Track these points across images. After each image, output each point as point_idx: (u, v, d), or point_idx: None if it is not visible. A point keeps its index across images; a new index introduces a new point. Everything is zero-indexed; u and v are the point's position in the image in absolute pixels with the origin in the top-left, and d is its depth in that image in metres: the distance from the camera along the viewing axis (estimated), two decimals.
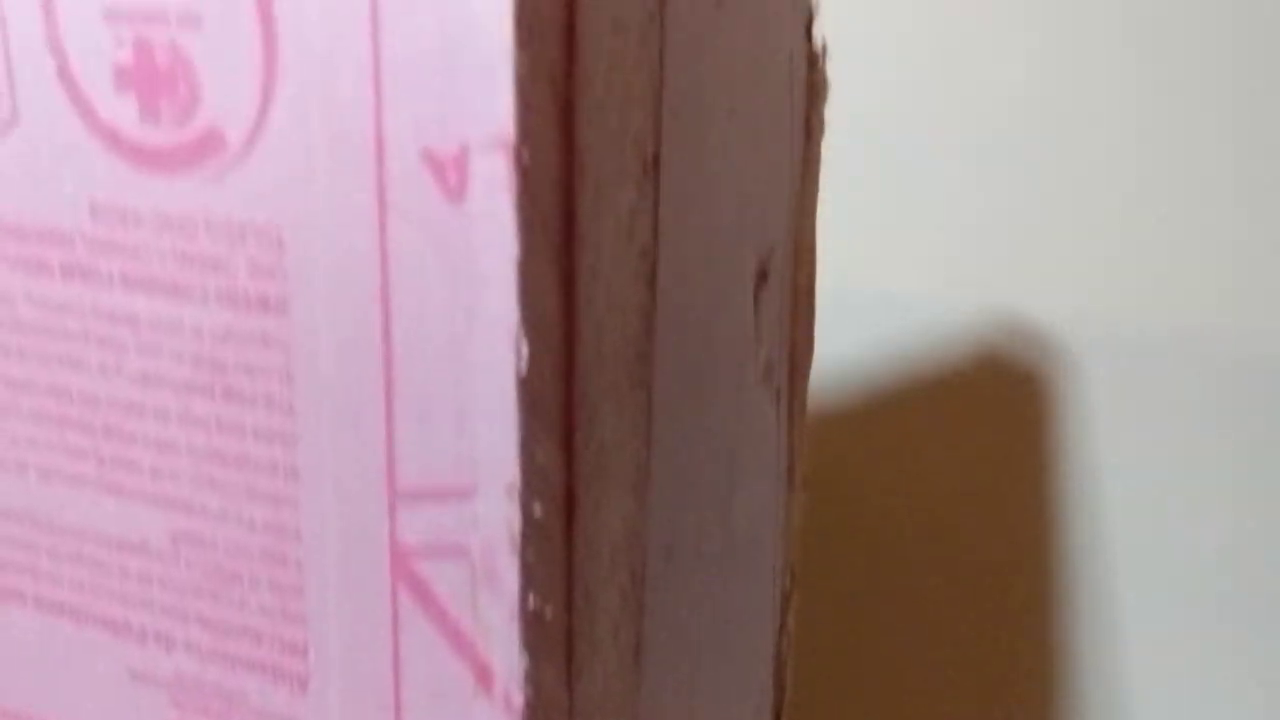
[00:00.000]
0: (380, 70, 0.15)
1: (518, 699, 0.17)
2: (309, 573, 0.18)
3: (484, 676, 0.17)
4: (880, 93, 0.49)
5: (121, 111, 0.17)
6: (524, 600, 0.17)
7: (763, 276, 0.26)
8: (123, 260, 0.18)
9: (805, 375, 0.29)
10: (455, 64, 0.15)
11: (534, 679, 0.17)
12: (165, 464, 0.19)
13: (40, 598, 0.21)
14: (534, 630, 0.17)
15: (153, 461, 0.19)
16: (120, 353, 0.19)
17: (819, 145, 0.27)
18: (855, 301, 0.51)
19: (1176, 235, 0.47)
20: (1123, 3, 0.46)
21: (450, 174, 0.15)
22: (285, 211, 0.17)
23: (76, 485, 0.20)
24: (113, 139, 0.17)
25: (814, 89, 0.27)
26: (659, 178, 0.19)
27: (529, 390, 0.16)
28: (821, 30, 0.27)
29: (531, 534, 0.17)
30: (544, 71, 0.15)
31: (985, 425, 0.51)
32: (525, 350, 0.16)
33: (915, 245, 0.50)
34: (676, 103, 0.19)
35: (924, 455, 0.51)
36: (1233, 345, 0.46)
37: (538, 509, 0.17)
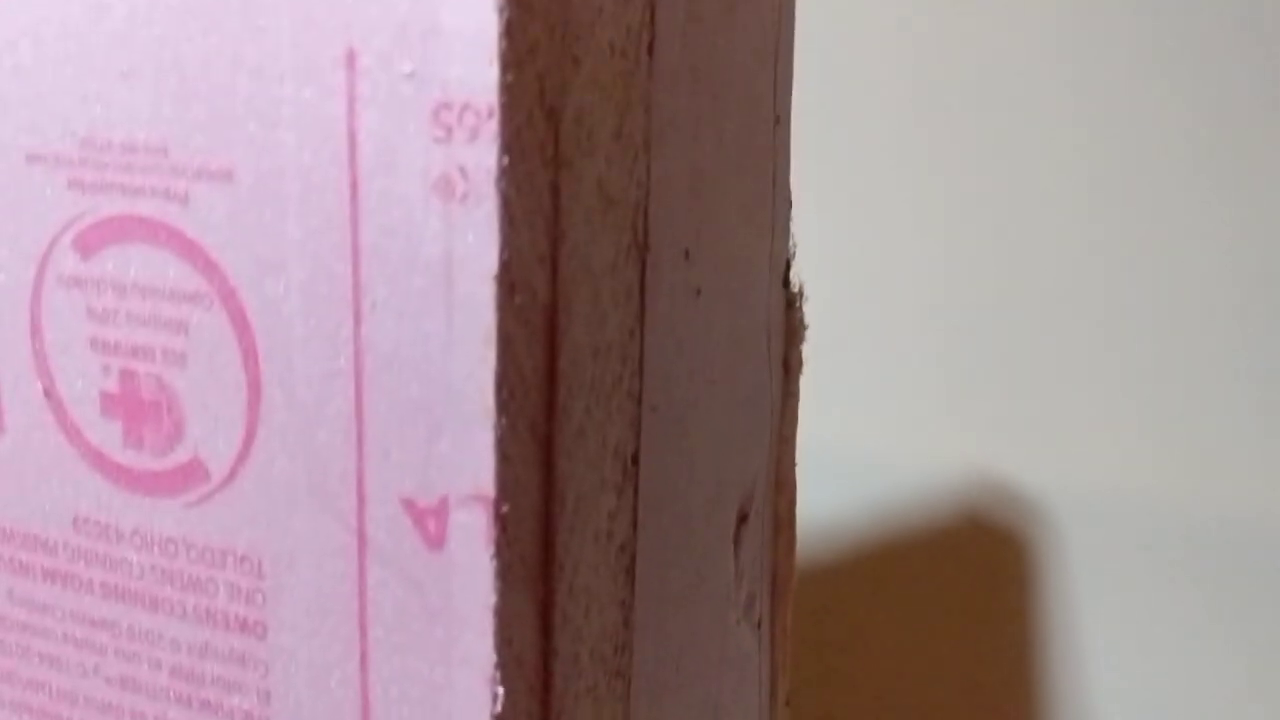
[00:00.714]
0: (363, 423, 0.16)
1: None
2: None
3: None
4: (863, 257, 0.50)
5: (107, 435, 0.18)
6: None
7: (743, 518, 0.26)
8: (103, 571, 0.18)
9: (787, 597, 0.30)
10: (436, 421, 0.15)
11: None
12: None
13: None
14: None
15: None
16: (99, 655, 0.19)
17: (797, 381, 0.28)
18: (839, 461, 0.51)
19: (1159, 401, 0.47)
20: (1088, 171, 0.47)
21: (430, 523, 0.16)
22: (266, 542, 0.17)
23: None
24: (97, 459, 0.18)
25: (792, 330, 0.27)
26: (639, 475, 0.19)
27: None
28: (798, 273, 0.27)
29: None
30: (524, 425, 0.16)
31: (966, 585, 0.51)
32: (501, 692, 0.16)
33: (899, 406, 0.51)
34: (656, 399, 0.20)
35: (905, 614, 0.51)
36: (1212, 509, 0.47)
37: None
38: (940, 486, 0.53)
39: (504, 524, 0.15)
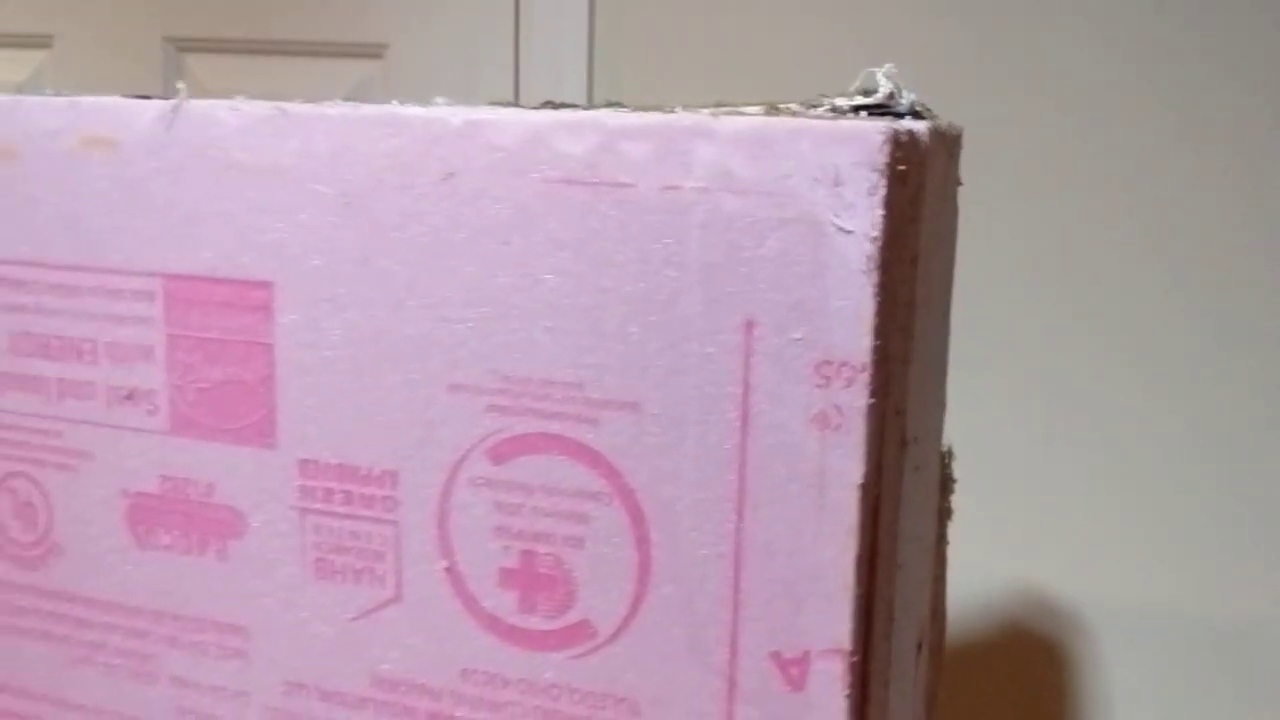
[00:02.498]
0: (739, 595, 0.21)
1: None
2: None
3: None
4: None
5: (501, 603, 0.22)
6: None
7: (919, 648, 0.31)
8: (487, 712, 0.23)
9: (935, 714, 0.34)
10: (802, 594, 0.20)
11: None
12: None
13: None
14: None
15: None
16: None
17: (946, 526, 0.33)
18: None
19: (1202, 521, 0.52)
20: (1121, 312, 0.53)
21: (793, 670, 0.20)
22: (643, 688, 0.21)
23: None
24: (490, 622, 0.22)
25: (945, 483, 0.32)
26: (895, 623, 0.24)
27: None
28: (950, 441, 0.33)
29: None
30: (865, 596, 0.20)
31: (1009, 692, 0.56)
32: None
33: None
34: (904, 560, 0.25)
35: None
36: (1251, 624, 0.52)
37: None
38: (981, 597, 0.57)
39: (853, 670, 0.20)
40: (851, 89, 0.23)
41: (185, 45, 0.69)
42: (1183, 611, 0.53)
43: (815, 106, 0.22)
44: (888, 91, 0.23)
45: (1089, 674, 0.56)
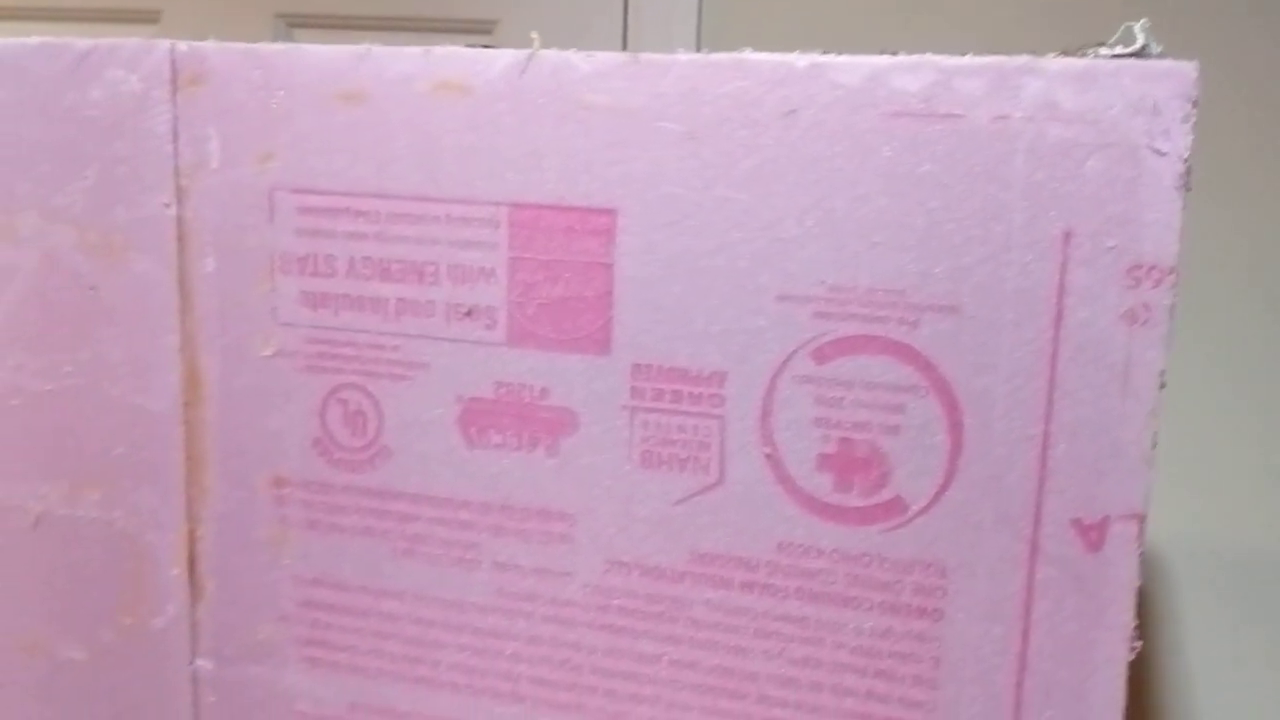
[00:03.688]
0: (1045, 471, 0.24)
1: None
2: None
3: None
4: None
5: (818, 484, 0.26)
6: None
7: None
8: (800, 580, 0.26)
9: None
10: (1104, 468, 0.24)
11: None
12: None
13: None
14: None
15: None
16: (784, 642, 0.27)
17: None
18: None
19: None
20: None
21: (1092, 534, 0.24)
22: (950, 552, 0.25)
23: None
24: (807, 501, 0.26)
25: None
26: None
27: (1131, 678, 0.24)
28: None
29: None
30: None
31: None
32: (1139, 645, 0.24)
33: None
34: None
35: None
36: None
37: None
38: None
39: (1143, 532, 0.24)
40: (1111, 40, 0.26)
41: (296, 21, 0.72)
42: (1272, 553, 0.56)
43: (1082, 56, 0.25)
44: (1142, 43, 0.26)
45: (1168, 613, 0.59)
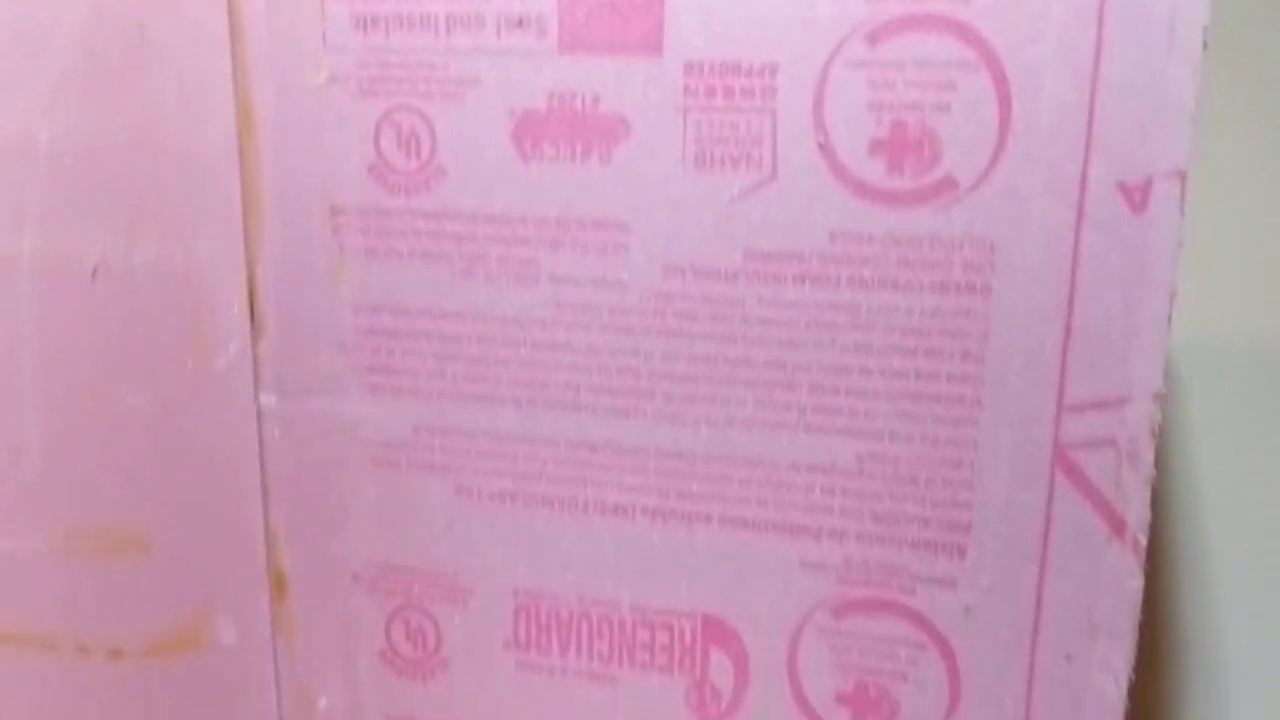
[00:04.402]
0: (1091, 135, 0.25)
1: (1142, 541, 0.27)
2: (980, 470, 0.27)
3: (1118, 529, 0.27)
4: None
5: (870, 169, 0.27)
6: (1150, 473, 0.26)
7: None
8: (851, 268, 0.27)
9: None
10: (1149, 127, 0.25)
11: (1148, 530, 0.27)
12: (862, 406, 0.28)
13: (724, 516, 0.30)
14: (1149, 494, 0.27)
15: (851, 405, 0.28)
16: (835, 331, 0.28)
17: None
18: None
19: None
20: None
21: (1136, 195, 0.25)
22: (999, 226, 0.26)
23: (776, 429, 0.29)
24: (858, 189, 0.27)
25: None
26: None
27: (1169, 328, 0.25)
28: None
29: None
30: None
31: None
32: (1179, 294, 0.25)
33: None
34: None
35: None
36: None
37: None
38: None
39: (1184, 191, 0.25)
40: None
41: None
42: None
43: None
44: None
45: (1170, 412, 0.59)
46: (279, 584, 0.34)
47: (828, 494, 0.29)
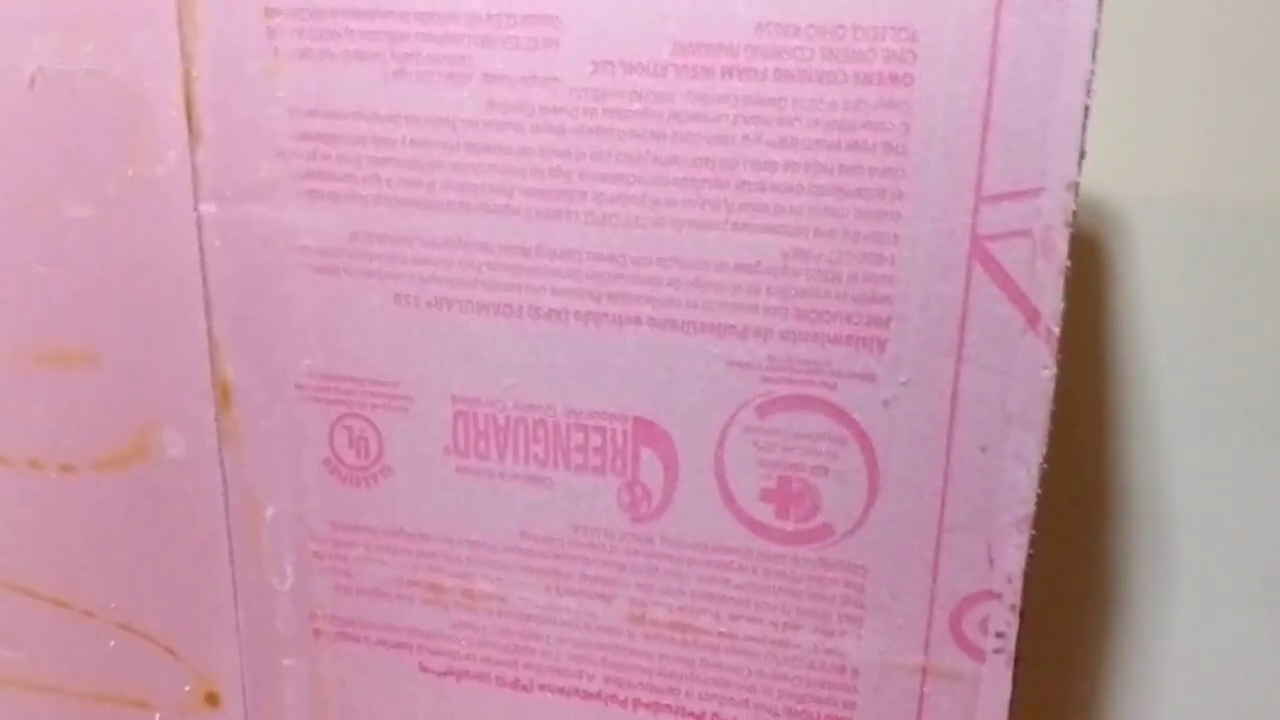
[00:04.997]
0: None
1: (1055, 331, 0.27)
2: (900, 265, 0.28)
3: (1032, 320, 0.27)
4: None
5: None
6: (1064, 264, 0.27)
7: None
8: (778, 60, 0.27)
9: None
10: None
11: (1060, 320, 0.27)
12: (787, 202, 0.28)
13: (654, 318, 0.30)
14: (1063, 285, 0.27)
15: (776, 202, 0.28)
16: (762, 125, 0.28)
17: None
18: None
19: (1242, 108, 0.56)
20: None
21: None
22: (921, 13, 0.26)
23: (704, 228, 0.29)
24: None
25: None
26: None
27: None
28: None
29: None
30: None
31: None
32: (1093, 88, 0.26)
33: None
34: None
35: None
36: None
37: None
38: None
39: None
40: None
41: None
42: (1236, 212, 0.55)
43: None
44: None
45: (1127, 273, 0.59)
46: (224, 394, 0.35)
47: (753, 292, 0.29)
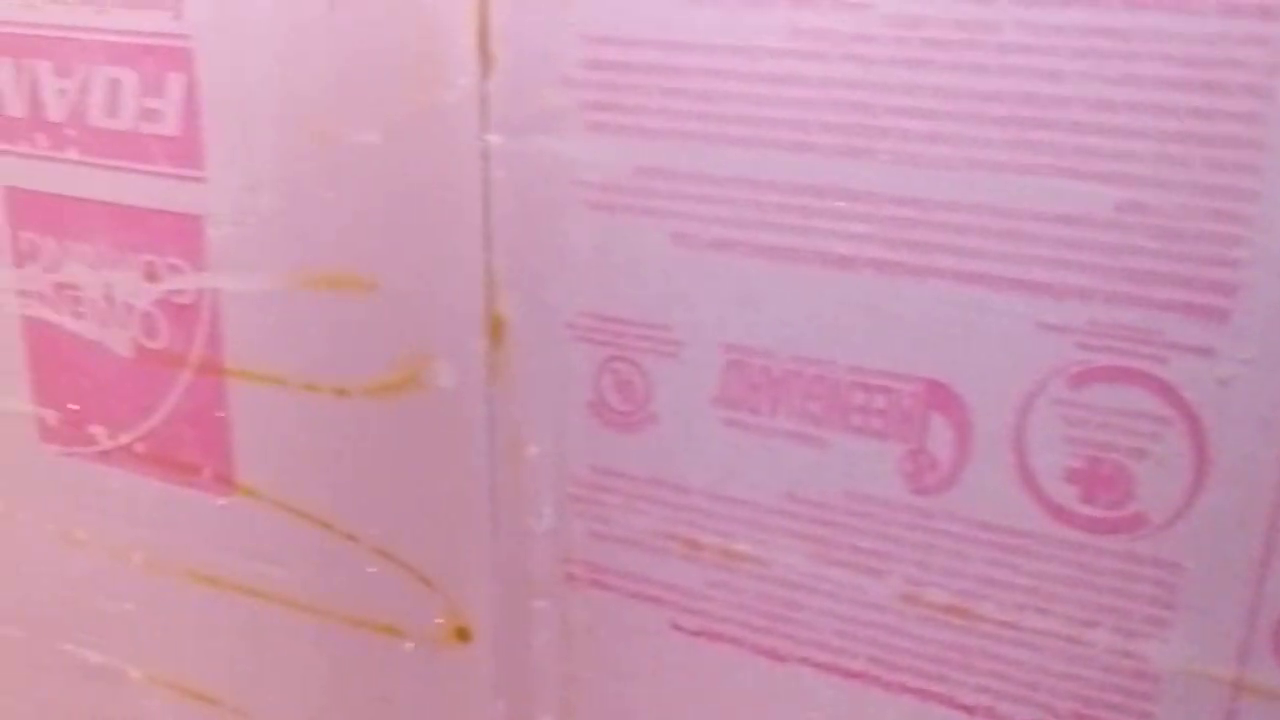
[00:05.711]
0: None
1: None
2: (1254, 226, 0.24)
3: None
4: None
5: None
6: None
7: None
8: None
9: None
10: None
11: None
12: (1125, 148, 0.25)
13: (958, 270, 0.28)
14: None
15: (1112, 146, 0.25)
16: (1101, 60, 0.25)
17: None
18: None
19: None
20: None
21: None
22: None
23: (1025, 173, 0.26)
24: None
25: None
26: None
27: None
28: None
29: None
30: None
31: None
32: None
33: None
34: None
35: None
36: None
37: None
38: None
39: None
40: None
41: None
42: None
43: None
44: None
45: None
46: (497, 329, 0.34)
47: (1077, 248, 0.26)
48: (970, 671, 0.30)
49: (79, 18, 0.37)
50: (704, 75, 0.29)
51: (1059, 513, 0.28)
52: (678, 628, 0.34)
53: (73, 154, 0.39)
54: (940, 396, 0.29)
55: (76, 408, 0.43)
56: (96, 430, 0.43)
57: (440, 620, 0.39)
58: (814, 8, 0.27)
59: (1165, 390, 0.26)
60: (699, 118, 0.29)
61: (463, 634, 0.38)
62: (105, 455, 0.43)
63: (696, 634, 0.34)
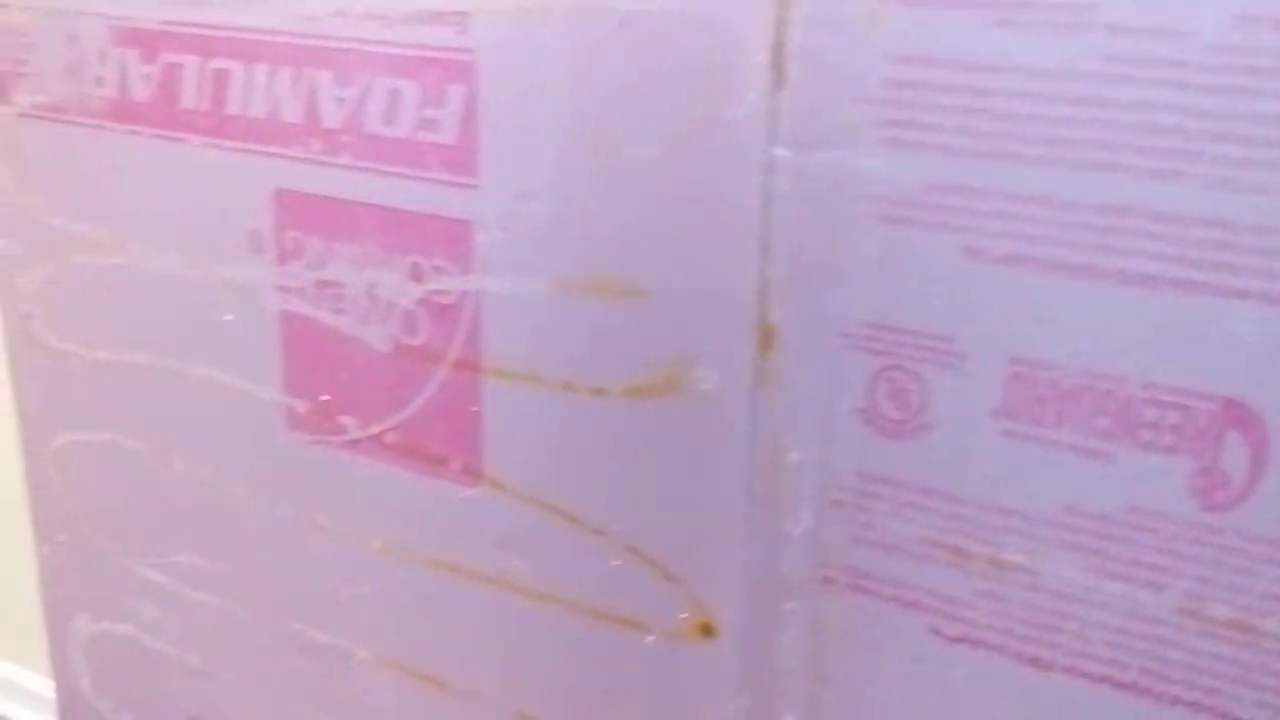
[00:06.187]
0: None
1: None
2: None
3: None
4: None
5: None
6: None
7: None
8: None
9: None
10: None
11: None
12: None
13: (1267, 293, 0.28)
14: None
15: None
16: None
17: None
18: None
19: None
20: None
21: None
22: None
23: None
24: None
25: None
26: None
27: None
28: None
29: None
30: None
31: None
32: None
33: None
34: None
35: None
36: None
37: None
38: None
39: None
40: None
41: None
42: None
43: None
44: None
45: None
46: (766, 336, 0.35)
47: None
48: (1248, 686, 0.31)
49: (365, 31, 0.39)
50: (1007, 96, 0.30)
51: None
52: (937, 633, 0.35)
53: (345, 159, 0.41)
54: (1237, 415, 0.29)
55: (328, 398, 0.45)
56: (347, 420, 0.45)
57: (684, 616, 0.40)
58: (1131, 34, 0.28)
59: None
60: (1000, 136, 0.30)
61: (707, 630, 0.40)
62: (354, 444, 0.45)
63: (957, 640, 0.35)
